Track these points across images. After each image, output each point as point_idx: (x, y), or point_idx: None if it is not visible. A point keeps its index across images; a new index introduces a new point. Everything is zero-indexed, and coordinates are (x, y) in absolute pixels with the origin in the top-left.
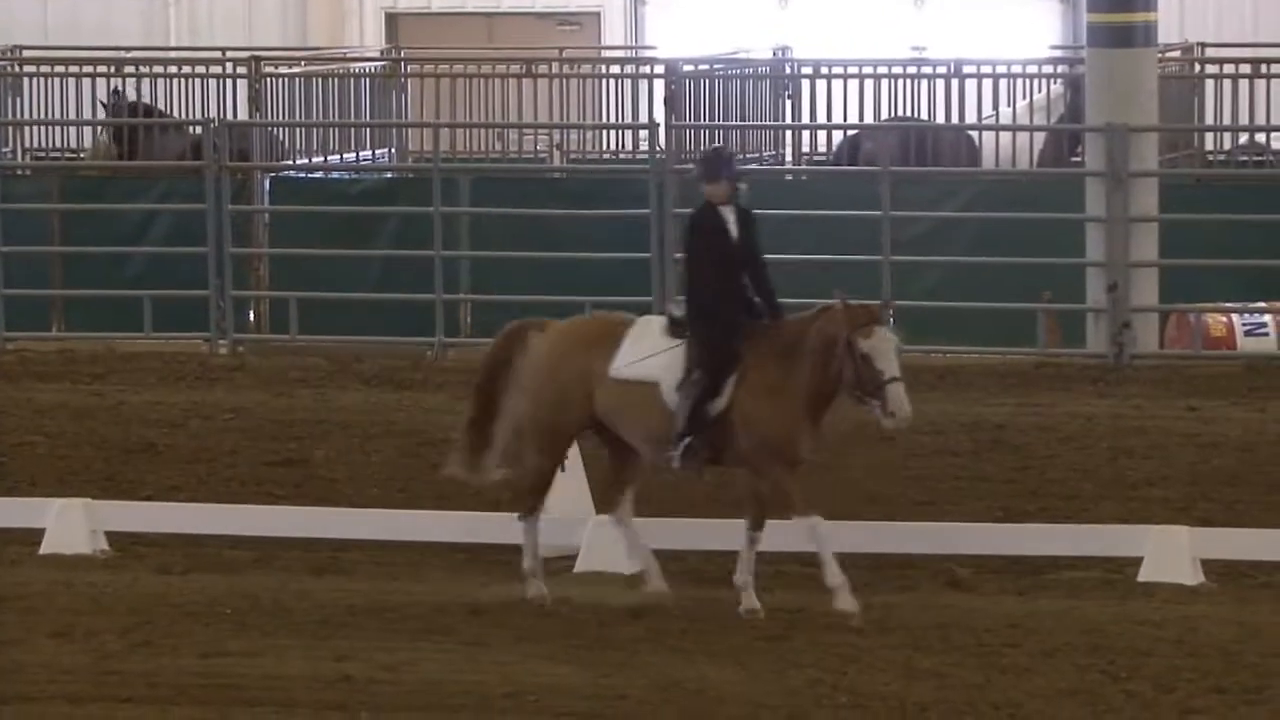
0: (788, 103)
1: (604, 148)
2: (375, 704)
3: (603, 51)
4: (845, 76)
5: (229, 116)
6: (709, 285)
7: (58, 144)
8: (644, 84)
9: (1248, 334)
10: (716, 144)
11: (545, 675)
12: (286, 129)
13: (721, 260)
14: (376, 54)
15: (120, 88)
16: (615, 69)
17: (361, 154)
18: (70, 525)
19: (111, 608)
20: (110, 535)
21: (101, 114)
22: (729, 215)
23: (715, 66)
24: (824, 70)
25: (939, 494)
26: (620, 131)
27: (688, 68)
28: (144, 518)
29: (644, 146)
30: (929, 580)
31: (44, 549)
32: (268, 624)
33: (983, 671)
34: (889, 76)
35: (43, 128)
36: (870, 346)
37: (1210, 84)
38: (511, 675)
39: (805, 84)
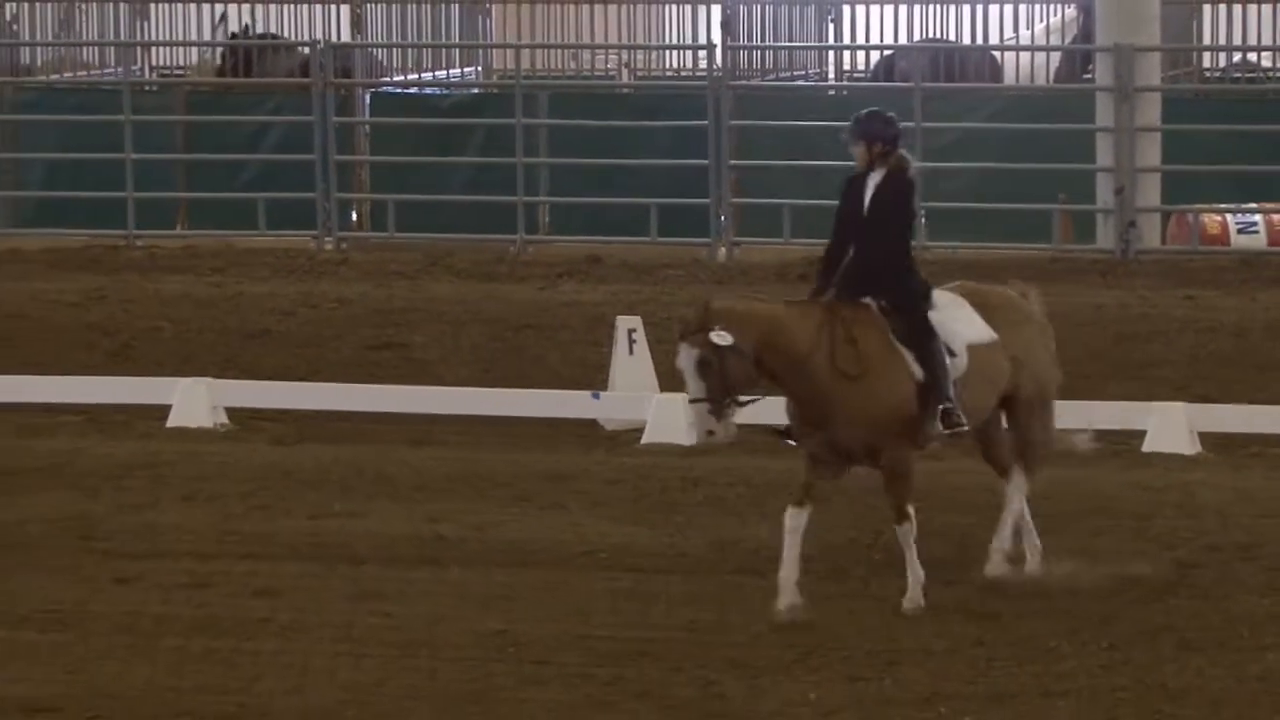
0: (830, 25)
1: (667, 66)
2: (465, 560)
3: None
4: (881, 2)
5: (334, 39)
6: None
7: (181, 62)
8: (703, 8)
9: (1240, 232)
10: (874, 107)
11: (616, 535)
12: (385, 49)
13: (836, 226)
14: None
15: (225, 14)
16: None
17: (452, 72)
18: (194, 402)
19: (232, 475)
20: (229, 410)
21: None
22: (869, 181)
23: None
24: None
25: None
26: (681, 51)
27: None
28: (260, 395)
29: (703, 65)
30: (949, 451)
31: (170, 423)
32: (370, 489)
33: None
34: (920, 2)
35: (168, 48)
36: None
37: (1207, 8)
38: (586, 535)
39: (846, 9)
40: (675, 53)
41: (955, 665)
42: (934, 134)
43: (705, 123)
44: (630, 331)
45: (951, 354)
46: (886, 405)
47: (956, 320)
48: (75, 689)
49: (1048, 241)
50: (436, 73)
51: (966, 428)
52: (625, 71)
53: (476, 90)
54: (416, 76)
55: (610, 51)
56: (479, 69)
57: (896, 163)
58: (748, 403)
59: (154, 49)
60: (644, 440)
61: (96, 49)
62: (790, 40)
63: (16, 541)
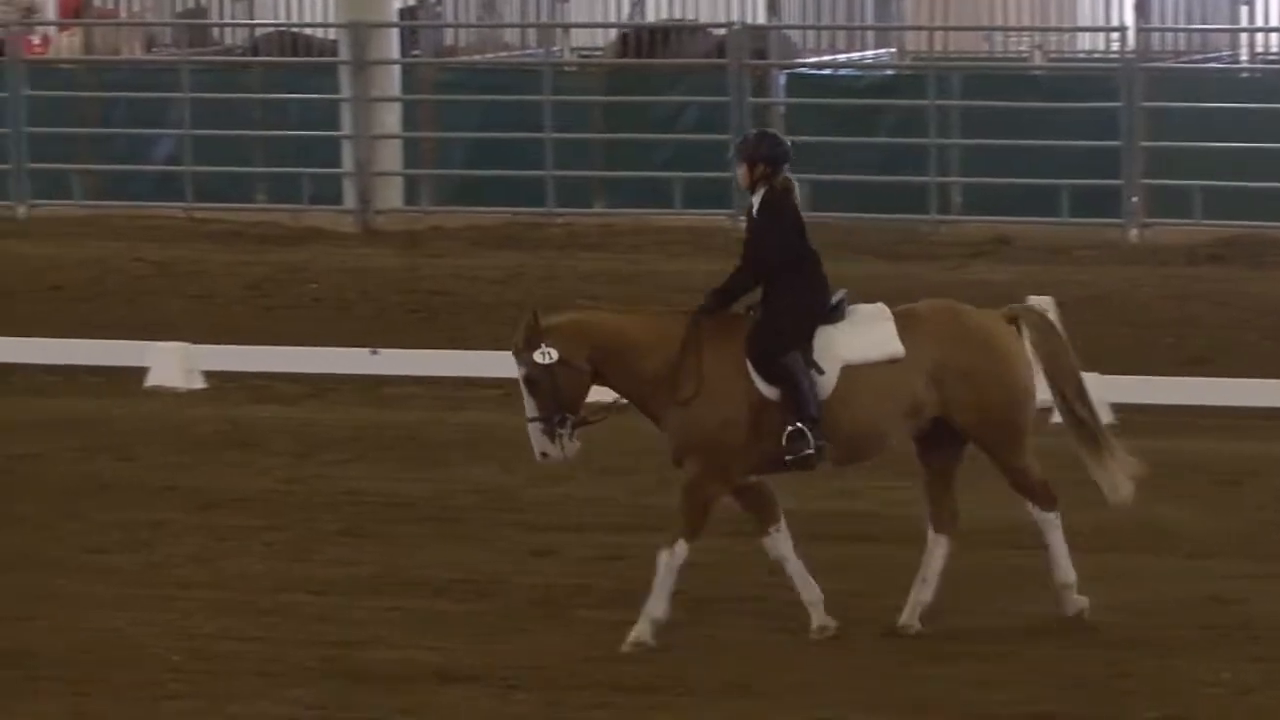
0: (1243, 8)
1: (1078, 48)
2: (877, 536)
3: None
4: None
5: (749, 21)
6: None
7: (600, 44)
8: None
9: None
10: (764, 129)
11: (1021, 513)
12: (799, 31)
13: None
14: None
15: None
16: None
17: (865, 53)
18: None
19: (646, 449)
20: None
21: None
22: (754, 202)
23: None
24: None
25: None
26: (1093, 33)
27: None
28: None
29: (1115, 47)
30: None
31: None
32: None
33: None
34: None
35: (587, 29)
36: None
37: None
38: (990, 515)
39: None
40: (1087, 34)
41: None
42: None
43: (1118, 104)
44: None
45: (819, 371)
46: (710, 429)
47: (853, 337)
48: (491, 658)
49: None
50: (850, 54)
51: (811, 452)
52: (1037, 53)
53: (890, 72)
54: (830, 58)
55: (1023, 33)
56: (893, 51)
57: (782, 184)
58: (590, 420)
59: (573, 30)
60: (1053, 419)
61: (518, 30)
62: (1203, 23)
63: (437, 512)
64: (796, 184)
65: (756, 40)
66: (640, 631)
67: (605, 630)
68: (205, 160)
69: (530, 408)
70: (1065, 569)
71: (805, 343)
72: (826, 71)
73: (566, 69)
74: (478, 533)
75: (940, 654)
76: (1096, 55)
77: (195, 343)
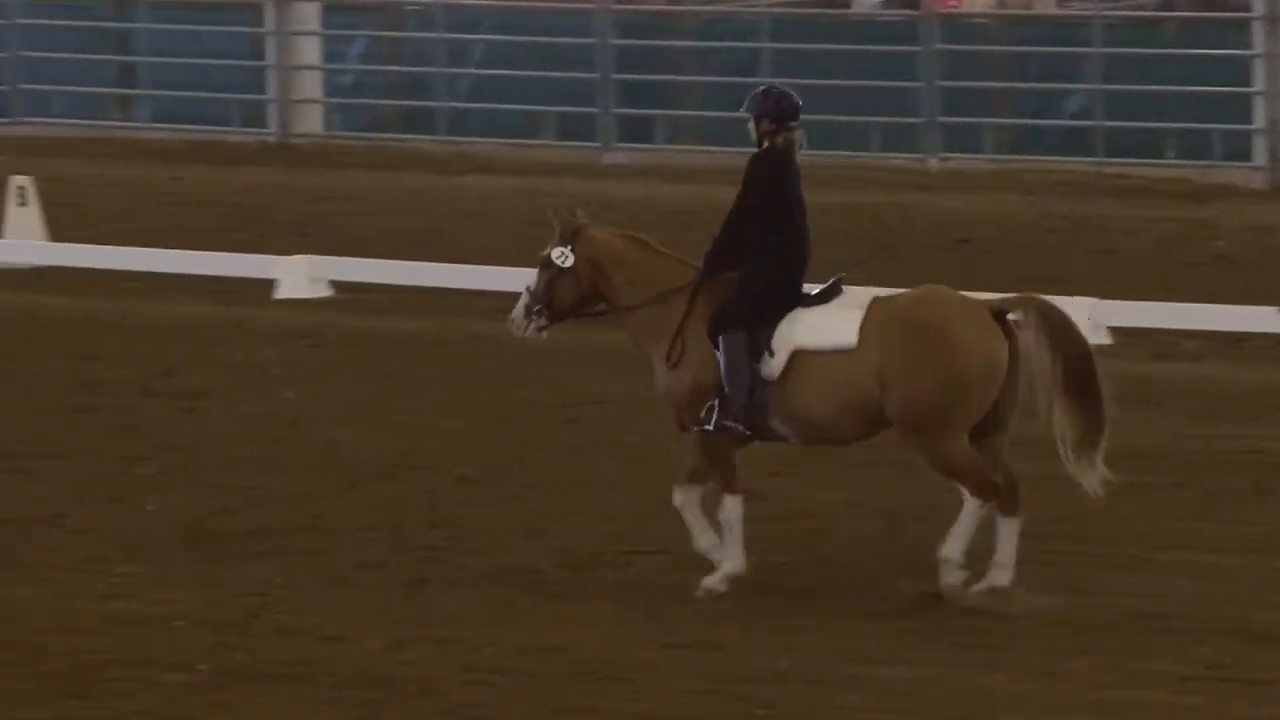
0: None
1: None
2: None
3: None
4: None
5: None
6: None
7: None
8: None
9: None
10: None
11: None
12: None
13: None
14: None
15: None
16: None
17: None
18: None
19: None
20: None
21: None
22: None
23: None
24: None
25: None
26: None
27: None
28: None
29: None
30: None
31: None
32: None
33: None
34: None
35: None
36: None
37: None
38: None
39: None
40: None
41: None
42: None
43: None
44: None
45: (770, 353)
46: (688, 393)
47: (816, 322)
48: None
49: None
50: None
51: (710, 428)
52: None
53: None
54: None
55: None
56: None
57: (783, 142)
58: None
59: None
60: None
61: None
62: None
63: None
64: (801, 142)
65: None
66: (712, 582)
67: None
68: (1116, 116)
69: (532, 280)
70: (957, 547)
71: (764, 324)
72: None
73: None
74: None
75: None
76: None
77: (1101, 299)
